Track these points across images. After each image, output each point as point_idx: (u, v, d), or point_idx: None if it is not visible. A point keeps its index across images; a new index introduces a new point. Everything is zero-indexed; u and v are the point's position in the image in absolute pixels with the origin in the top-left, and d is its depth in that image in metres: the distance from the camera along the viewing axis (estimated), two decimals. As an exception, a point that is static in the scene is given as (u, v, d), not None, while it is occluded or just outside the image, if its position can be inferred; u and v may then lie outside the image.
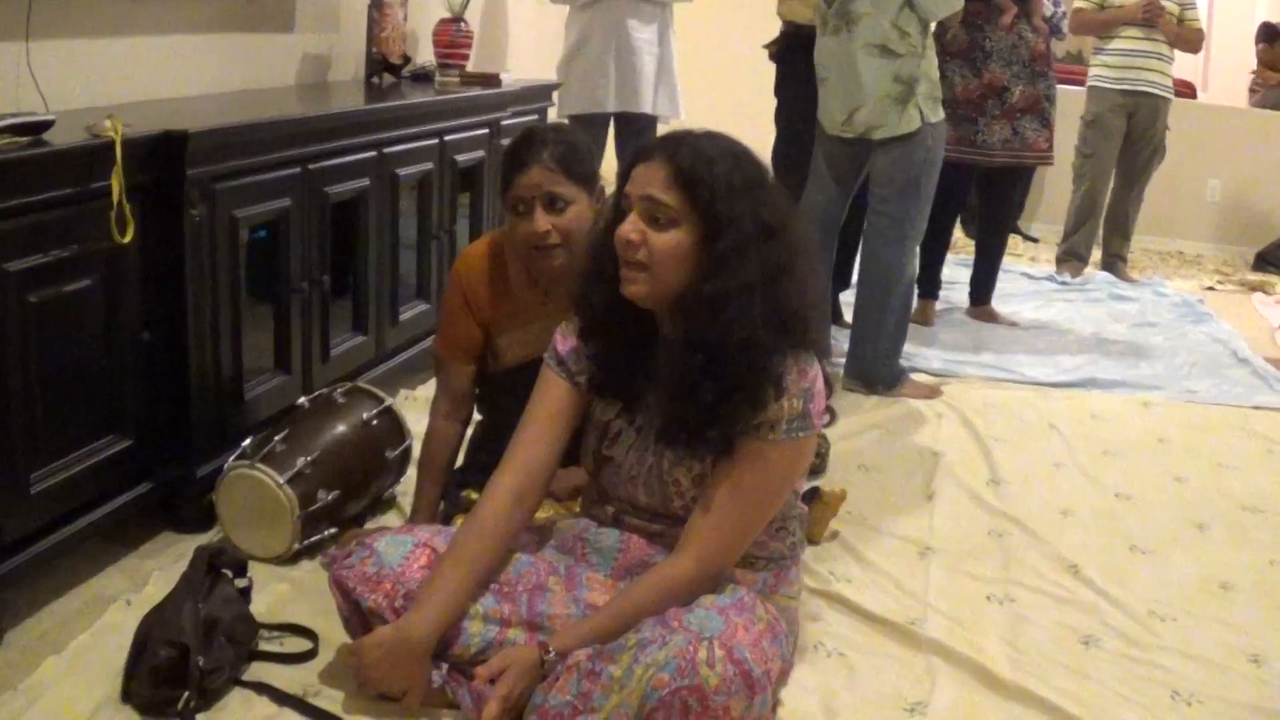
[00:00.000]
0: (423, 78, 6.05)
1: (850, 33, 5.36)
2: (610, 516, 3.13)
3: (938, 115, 5.50)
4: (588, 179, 3.55)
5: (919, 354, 6.24)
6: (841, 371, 5.75)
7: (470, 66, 6.25)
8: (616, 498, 3.11)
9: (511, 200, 3.52)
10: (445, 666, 2.90)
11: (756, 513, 2.93)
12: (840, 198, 5.81)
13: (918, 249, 5.77)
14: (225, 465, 3.75)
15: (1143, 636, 3.63)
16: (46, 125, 3.30)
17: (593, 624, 2.82)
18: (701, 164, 2.80)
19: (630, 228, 2.81)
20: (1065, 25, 7.39)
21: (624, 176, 2.92)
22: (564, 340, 3.10)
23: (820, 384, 2.92)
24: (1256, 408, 6.07)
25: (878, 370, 5.73)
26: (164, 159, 3.61)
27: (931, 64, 5.47)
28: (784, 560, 3.13)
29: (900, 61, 5.33)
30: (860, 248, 5.76)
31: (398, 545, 2.97)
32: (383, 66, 5.91)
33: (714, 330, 2.77)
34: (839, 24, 5.42)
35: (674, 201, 2.79)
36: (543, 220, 3.47)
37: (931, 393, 5.82)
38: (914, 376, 5.93)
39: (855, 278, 6.29)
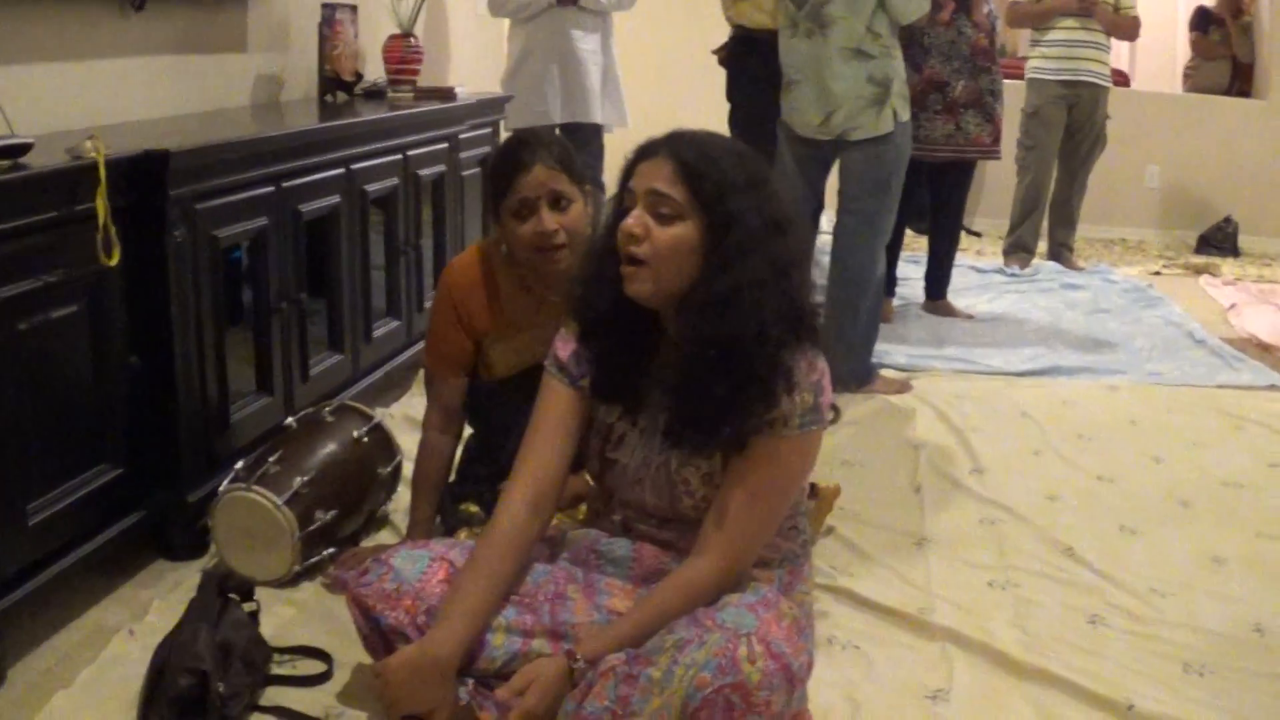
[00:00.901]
0: (375, 94, 6.02)
1: (824, 36, 5.37)
2: (618, 525, 3.10)
3: (907, 114, 5.53)
4: (582, 179, 3.55)
5: (883, 351, 6.23)
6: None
7: (419, 82, 6.22)
8: (622, 501, 3.08)
9: (514, 203, 3.50)
10: (470, 682, 2.85)
11: (773, 509, 2.91)
12: (812, 197, 5.82)
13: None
14: (219, 489, 3.70)
15: (1146, 613, 3.68)
16: (26, 148, 3.25)
17: (620, 629, 2.78)
18: (706, 160, 2.79)
19: (634, 221, 2.79)
20: (998, 25, 7.41)
21: (627, 174, 2.89)
22: (564, 345, 3.07)
23: (827, 378, 2.90)
24: (1220, 386, 6.16)
25: (851, 368, 5.73)
26: (143, 180, 3.57)
27: (900, 63, 5.49)
28: (797, 558, 3.11)
29: (874, 63, 5.35)
30: (833, 251, 5.73)
31: (414, 561, 2.93)
32: (335, 84, 5.87)
33: (726, 326, 2.74)
34: (810, 27, 5.41)
35: (679, 195, 2.77)
36: (550, 219, 3.46)
37: (902, 387, 5.86)
38: (882, 372, 5.94)
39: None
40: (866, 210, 5.60)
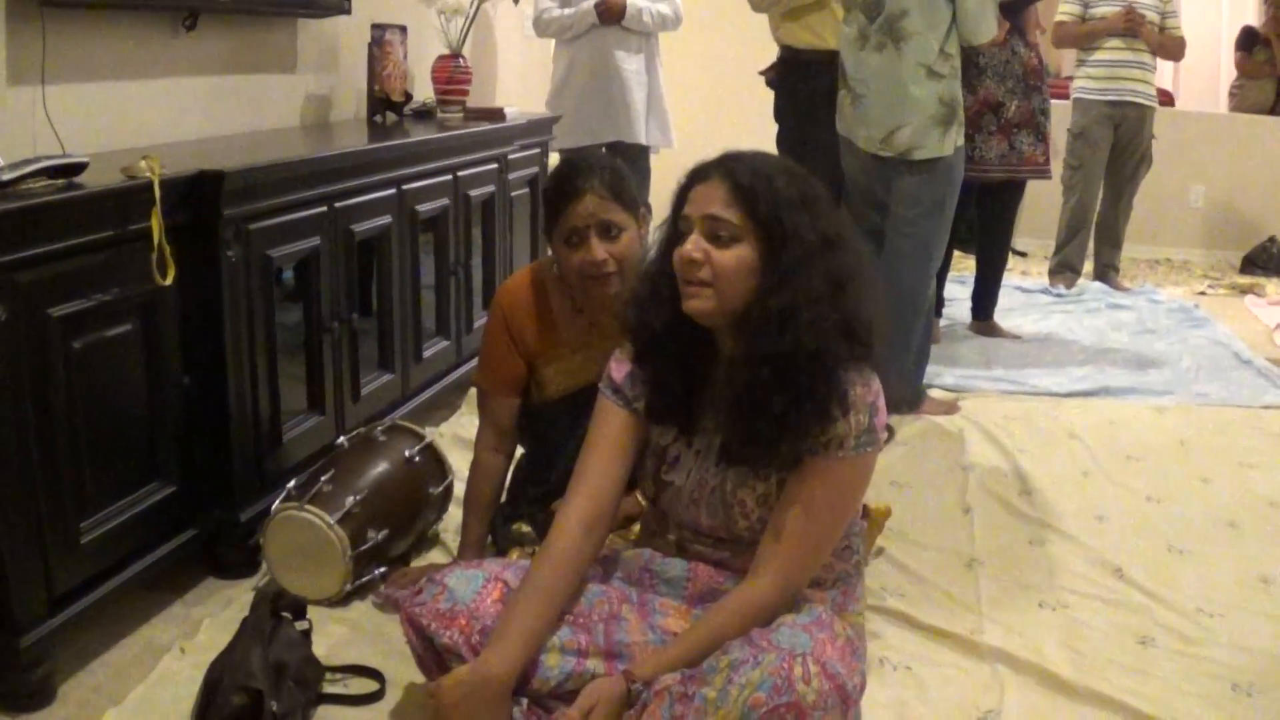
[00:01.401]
0: (424, 115, 6.05)
1: (899, 50, 5.33)
2: (673, 545, 3.10)
3: (963, 139, 5.53)
4: (634, 205, 3.55)
5: (932, 372, 6.20)
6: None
7: (467, 102, 6.23)
8: (677, 523, 3.08)
9: (565, 231, 3.51)
10: (525, 702, 2.84)
11: (829, 530, 2.90)
12: (875, 215, 5.75)
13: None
14: (272, 508, 3.72)
15: (1196, 633, 3.68)
16: (81, 167, 3.28)
17: (676, 650, 2.78)
18: (761, 180, 2.79)
19: (693, 247, 2.79)
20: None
21: (680, 199, 2.90)
22: (618, 368, 3.07)
23: (882, 399, 2.90)
24: (1266, 407, 6.12)
25: (903, 391, 5.73)
26: (197, 199, 3.59)
27: (960, 87, 5.48)
28: (850, 578, 3.11)
29: (944, 83, 5.34)
30: (883, 268, 5.72)
31: (469, 580, 2.92)
32: (385, 105, 5.90)
33: (784, 343, 2.74)
34: (883, 40, 5.37)
35: (736, 218, 2.77)
36: (599, 249, 3.46)
37: (950, 408, 5.85)
38: (930, 393, 5.93)
39: None
40: (920, 233, 5.56)
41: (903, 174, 5.53)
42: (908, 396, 5.77)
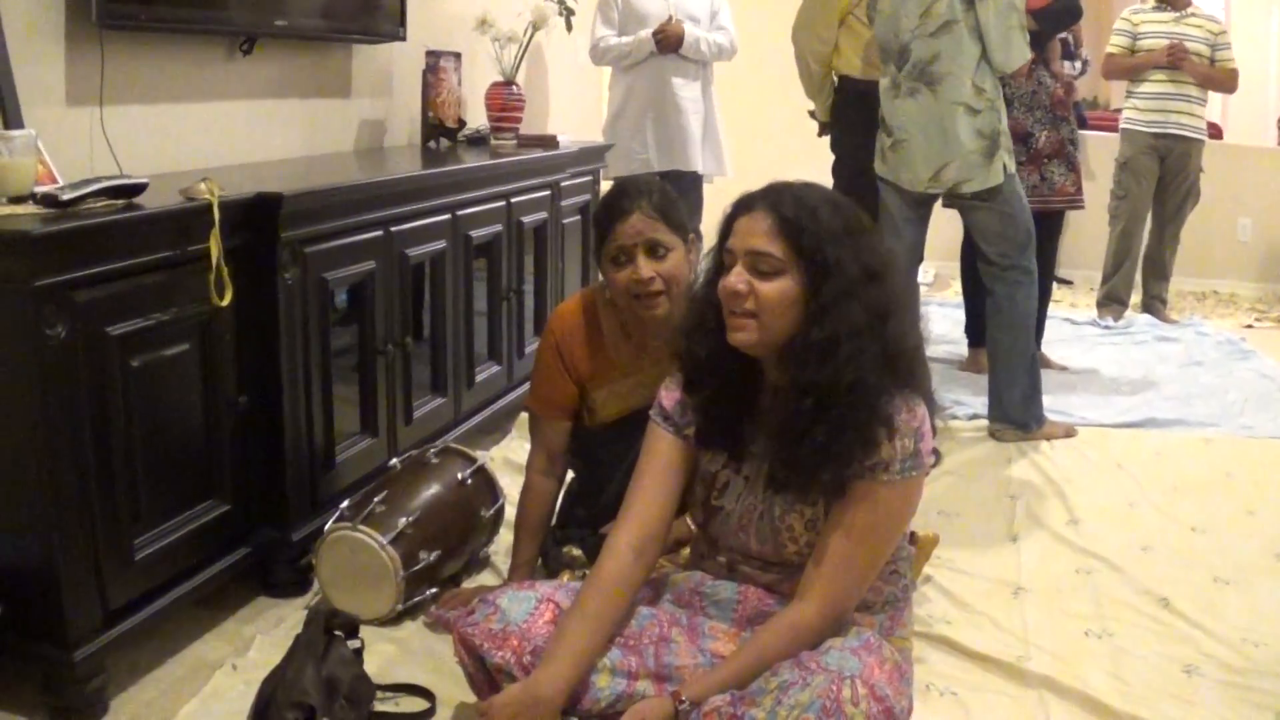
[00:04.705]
0: (478, 141, 6.11)
1: (934, 92, 5.44)
2: (723, 566, 3.11)
3: (1013, 166, 5.61)
4: (683, 227, 3.59)
5: (979, 401, 6.24)
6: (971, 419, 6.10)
7: (520, 129, 6.27)
8: (727, 547, 3.09)
9: (613, 250, 3.55)
10: (575, 721, 2.88)
11: (875, 554, 2.91)
12: (917, 245, 5.91)
13: None
14: (325, 527, 3.75)
15: (1241, 663, 3.67)
16: (141, 188, 3.33)
17: (724, 672, 2.80)
18: (805, 212, 2.81)
19: (737, 279, 2.82)
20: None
21: (726, 229, 2.92)
22: (668, 395, 3.10)
23: (928, 424, 2.91)
24: (1313, 440, 6.09)
25: (1030, 411, 5.87)
26: (256, 222, 3.64)
27: (1004, 116, 5.54)
28: (898, 602, 3.12)
29: (980, 117, 5.43)
30: (992, 299, 5.83)
31: (521, 602, 2.95)
32: (439, 131, 5.94)
33: (824, 374, 2.76)
34: (915, 85, 5.49)
35: (779, 251, 2.79)
36: (646, 267, 3.50)
37: (1069, 432, 6.00)
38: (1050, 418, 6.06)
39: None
40: (1011, 257, 5.70)
41: (968, 213, 5.63)
42: (1035, 416, 5.89)
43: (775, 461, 2.90)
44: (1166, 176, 8.73)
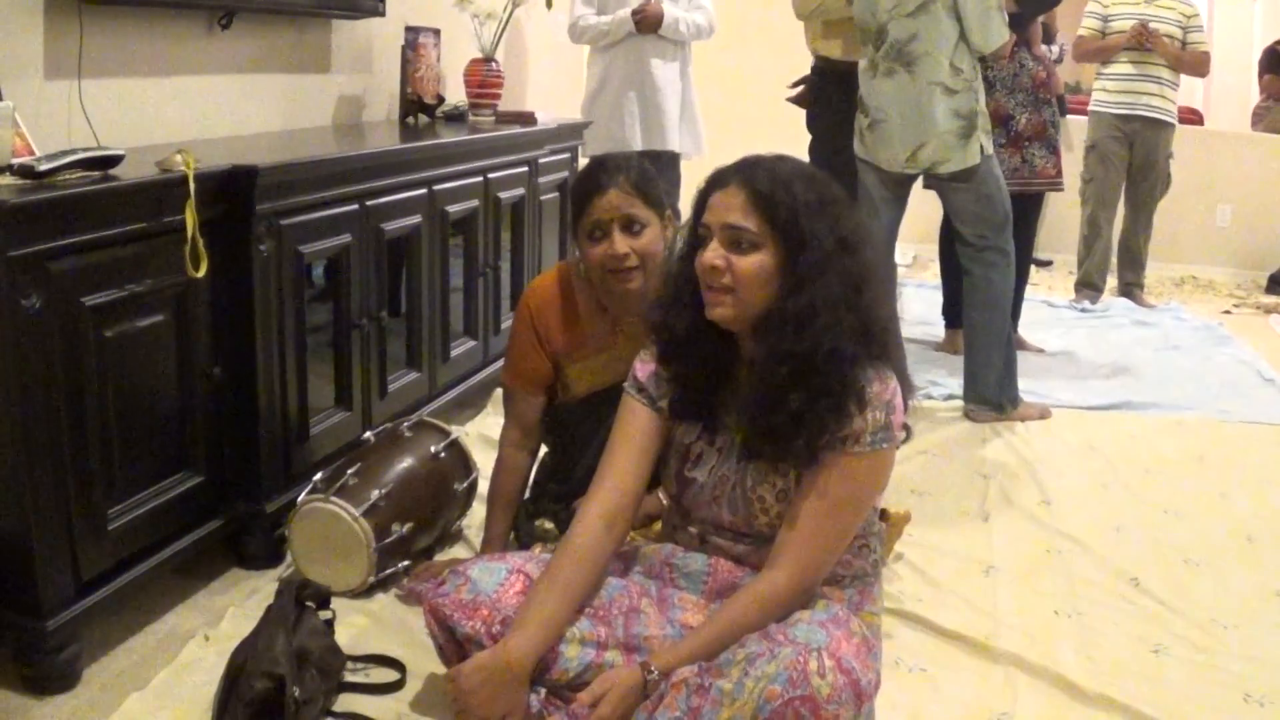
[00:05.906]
0: (456, 117, 6.10)
1: (911, 73, 5.45)
2: (695, 537, 3.12)
3: (991, 148, 5.61)
4: (660, 204, 3.59)
5: (955, 382, 6.25)
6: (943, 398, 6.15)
7: (499, 106, 6.27)
8: (699, 519, 3.10)
9: (589, 225, 3.56)
10: (543, 691, 2.88)
11: (844, 524, 2.92)
12: (893, 225, 5.95)
13: None
14: (298, 499, 3.76)
15: (1209, 643, 3.71)
16: (117, 160, 3.33)
17: (693, 643, 2.81)
18: (779, 186, 2.82)
19: (713, 255, 2.83)
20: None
21: (700, 205, 2.93)
22: (643, 367, 3.11)
23: (899, 398, 2.92)
24: (1287, 425, 6.12)
25: (1005, 392, 5.90)
26: (231, 194, 3.64)
27: (982, 97, 5.56)
28: (867, 577, 3.13)
29: (958, 98, 5.43)
30: (969, 279, 5.85)
31: (492, 572, 2.97)
32: (417, 106, 5.95)
33: (802, 344, 2.77)
34: (892, 66, 5.51)
35: (755, 225, 2.80)
36: (621, 242, 3.51)
37: (1044, 413, 6.02)
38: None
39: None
40: (989, 238, 5.72)
41: (946, 194, 5.66)
42: (1010, 397, 5.92)
43: (749, 430, 2.91)
44: (1136, 161, 8.76)
